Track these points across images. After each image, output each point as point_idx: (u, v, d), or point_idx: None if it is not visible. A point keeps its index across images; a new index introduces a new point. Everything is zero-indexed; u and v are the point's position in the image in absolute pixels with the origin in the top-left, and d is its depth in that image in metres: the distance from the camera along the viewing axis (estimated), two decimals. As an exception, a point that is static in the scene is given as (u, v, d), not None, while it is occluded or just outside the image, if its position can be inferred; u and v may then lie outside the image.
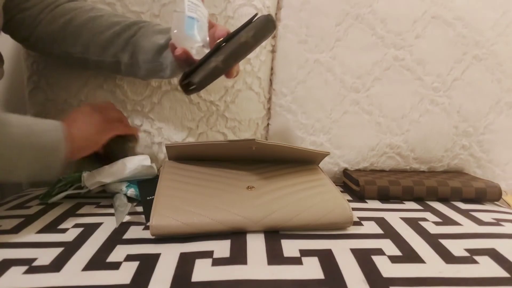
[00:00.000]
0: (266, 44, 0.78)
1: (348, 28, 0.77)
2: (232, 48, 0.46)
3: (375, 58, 0.77)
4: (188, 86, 0.47)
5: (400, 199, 0.67)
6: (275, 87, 0.80)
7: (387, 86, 0.78)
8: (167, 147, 0.60)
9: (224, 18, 0.74)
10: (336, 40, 0.77)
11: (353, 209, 0.53)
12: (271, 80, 0.82)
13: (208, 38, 0.53)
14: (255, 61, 0.77)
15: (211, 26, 0.55)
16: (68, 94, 0.71)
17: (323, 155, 0.63)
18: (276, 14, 0.80)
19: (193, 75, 0.46)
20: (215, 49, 0.47)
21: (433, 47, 0.77)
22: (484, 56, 0.77)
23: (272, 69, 0.81)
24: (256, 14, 0.49)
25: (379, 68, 0.77)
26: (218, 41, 0.48)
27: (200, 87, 0.46)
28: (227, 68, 0.47)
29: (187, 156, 0.62)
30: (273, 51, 0.81)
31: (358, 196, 0.68)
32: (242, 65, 0.76)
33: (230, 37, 0.48)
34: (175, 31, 0.51)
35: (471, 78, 0.78)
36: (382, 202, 0.65)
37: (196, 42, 0.50)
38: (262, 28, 0.46)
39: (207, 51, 0.50)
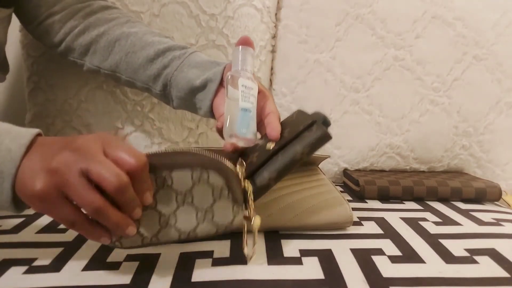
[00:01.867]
0: (266, 44, 0.78)
1: (348, 28, 0.77)
2: (285, 163, 0.41)
3: (375, 58, 0.77)
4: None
5: (400, 199, 0.67)
6: (275, 87, 0.80)
7: (387, 86, 0.78)
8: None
9: (224, 18, 0.74)
10: (336, 40, 0.77)
11: (353, 209, 0.53)
12: (271, 80, 0.82)
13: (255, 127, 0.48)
14: (255, 61, 0.77)
15: (261, 98, 0.50)
16: (68, 94, 0.71)
17: (323, 158, 0.63)
18: (276, 14, 0.80)
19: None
20: (268, 156, 0.43)
21: (433, 47, 0.77)
22: (484, 56, 0.77)
23: (272, 69, 0.81)
24: (313, 122, 0.43)
25: (379, 68, 0.77)
26: (271, 148, 0.43)
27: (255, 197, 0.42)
28: (277, 182, 0.43)
29: None
30: (273, 51, 0.81)
31: (358, 196, 0.68)
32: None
33: (283, 144, 0.43)
34: (227, 124, 0.46)
35: (471, 78, 0.78)
36: (382, 202, 0.65)
37: (246, 140, 0.46)
38: (318, 145, 0.42)
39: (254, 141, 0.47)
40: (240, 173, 0.41)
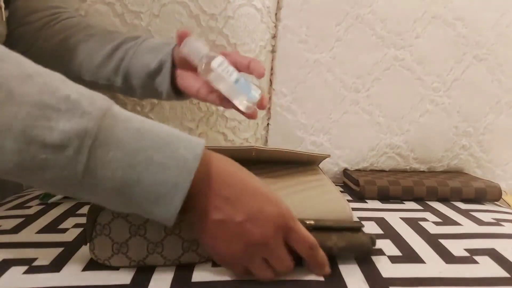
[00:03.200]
0: (266, 44, 0.78)
1: (348, 28, 0.77)
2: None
3: (375, 58, 0.77)
4: None
5: (400, 199, 0.67)
6: (275, 87, 0.80)
7: (387, 86, 0.78)
8: None
9: (224, 18, 0.74)
10: (336, 40, 0.77)
11: (353, 209, 0.53)
12: (271, 80, 0.82)
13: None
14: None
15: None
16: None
17: (323, 157, 0.63)
18: (276, 14, 0.80)
19: None
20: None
21: (433, 47, 0.77)
22: (484, 56, 0.77)
23: (272, 69, 0.81)
24: (360, 228, 0.43)
25: (379, 68, 0.77)
26: (309, 224, 0.41)
27: None
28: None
29: None
30: (273, 51, 0.81)
31: (358, 196, 0.68)
32: (242, 65, 0.76)
33: (321, 226, 0.42)
34: (237, 102, 0.51)
35: (471, 78, 0.78)
36: (382, 202, 0.65)
37: (259, 97, 0.51)
38: (355, 247, 0.41)
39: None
40: None
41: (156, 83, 0.58)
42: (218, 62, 0.50)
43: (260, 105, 0.52)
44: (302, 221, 0.42)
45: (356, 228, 0.43)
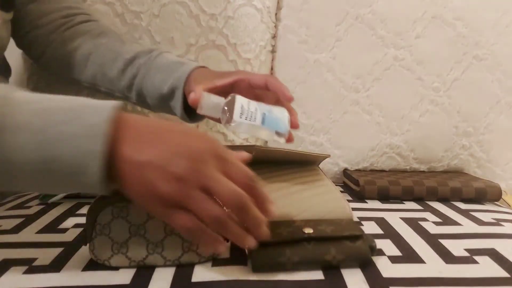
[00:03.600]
0: (266, 44, 0.78)
1: (348, 28, 0.77)
2: (312, 256, 0.40)
3: (375, 58, 0.77)
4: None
5: (400, 199, 0.67)
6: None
7: (387, 86, 0.78)
8: None
9: (224, 18, 0.74)
10: (336, 40, 0.77)
11: (353, 209, 0.53)
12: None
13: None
14: (255, 61, 0.77)
15: (242, 80, 0.52)
16: (68, 95, 0.71)
17: (323, 157, 0.63)
18: (276, 14, 0.80)
19: (260, 254, 0.40)
20: (300, 239, 0.41)
21: (433, 47, 0.77)
22: (484, 56, 0.77)
23: (272, 69, 0.81)
24: (360, 236, 0.42)
25: (379, 68, 0.77)
26: (307, 232, 0.41)
27: (258, 266, 0.40)
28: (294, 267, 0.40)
29: None
30: (273, 51, 0.81)
31: (358, 196, 0.68)
32: (241, 65, 0.76)
33: (320, 236, 0.41)
34: (273, 139, 0.50)
35: (471, 78, 0.78)
36: (382, 202, 0.65)
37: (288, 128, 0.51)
38: (355, 259, 0.40)
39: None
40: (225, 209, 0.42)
41: (171, 105, 0.57)
42: (239, 111, 0.47)
43: (293, 124, 0.51)
44: (301, 230, 0.42)
45: (356, 237, 0.42)
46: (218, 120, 0.51)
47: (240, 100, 0.48)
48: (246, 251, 0.42)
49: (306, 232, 0.41)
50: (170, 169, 0.32)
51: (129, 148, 0.32)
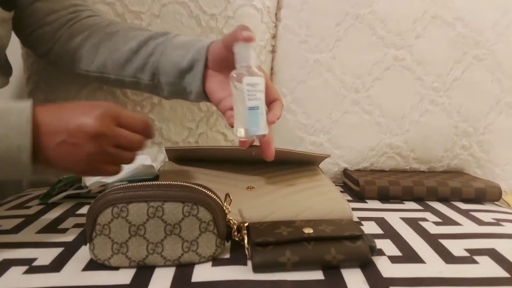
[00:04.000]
0: (266, 44, 0.78)
1: (348, 28, 0.77)
2: (312, 256, 0.40)
3: (375, 58, 0.77)
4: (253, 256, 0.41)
5: (400, 199, 0.67)
6: (275, 87, 0.80)
7: (387, 86, 0.78)
8: (167, 150, 0.60)
9: (224, 18, 0.74)
10: (336, 40, 0.77)
11: (353, 209, 0.53)
12: (271, 80, 0.82)
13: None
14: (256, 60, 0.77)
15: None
16: (68, 94, 0.71)
17: (323, 157, 0.63)
18: (276, 14, 0.80)
19: (261, 254, 0.40)
20: (300, 239, 0.41)
21: (433, 47, 0.77)
22: (484, 56, 0.77)
23: (272, 69, 0.81)
24: (360, 236, 0.42)
25: (379, 68, 0.77)
26: (307, 232, 0.42)
27: (259, 266, 0.40)
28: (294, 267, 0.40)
29: (186, 157, 0.62)
30: (273, 51, 0.81)
31: (358, 196, 0.68)
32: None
33: (320, 236, 0.41)
34: (237, 124, 0.47)
35: (471, 78, 0.78)
36: (382, 202, 0.65)
37: (257, 137, 0.47)
38: (355, 259, 0.40)
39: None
40: (226, 209, 0.43)
41: (186, 82, 0.55)
42: (252, 81, 0.46)
43: (265, 149, 0.49)
44: (301, 230, 0.42)
45: (356, 237, 0.42)
46: (227, 73, 0.49)
47: (258, 80, 0.47)
48: (246, 251, 0.42)
49: (306, 232, 0.41)
50: (84, 132, 0.41)
51: (48, 136, 0.41)
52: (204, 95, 0.55)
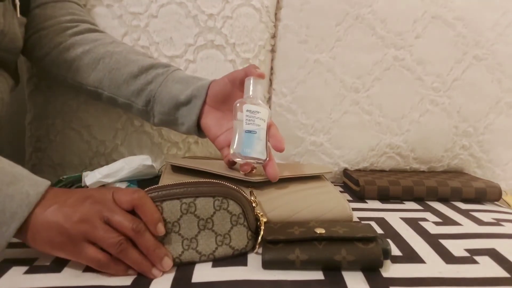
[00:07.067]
0: (265, 43, 0.78)
1: (348, 28, 0.77)
2: (322, 256, 0.39)
3: (375, 58, 0.77)
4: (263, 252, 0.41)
5: (400, 199, 0.67)
6: (275, 87, 0.80)
7: (387, 86, 0.78)
8: (167, 164, 0.61)
9: (222, 18, 0.74)
10: (336, 40, 0.77)
11: (353, 209, 0.53)
12: (271, 80, 0.82)
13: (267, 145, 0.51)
14: (254, 61, 0.77)
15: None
16: (68, 95, 0.71)
17: (326, 172, 0.63)
18: (276, 14, 0.80)
19: (271, 251, 0.40)
20: (311, 238, 0.41)
21: (433, 47, 0.77)
22: (484, 56, 0.77)
23: (272, 69, 0.81)
24: (374, 239, 0.41)
25: (379, 68, 0.77)
26: (319, 232, 0.41)
27: (268, 263, 0.40)
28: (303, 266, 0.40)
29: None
30: (273, 51, 0.81)
31: (358, 196, 0.68)
32: (240, 65, 0.76)
33: (332, 237, 0.41)
34: (233, 145, 0.49)
35: (471, 78, 0.78)
36: (382, 202, 0.65)
37: (251, 159, 0.49)
38: (366, 262, 0.40)
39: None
40: (253, 202, 0.44)
41: (179, 114, 0.58)
42: (252, 108, 0.49)
43: (266, 169, 0.50)
44: (313, 231, 0.42)
45: (369, 239, 0.41)
46: (224, 111, 0.56)
47: (262, 109, 0.50)
48: (257, 246, 0.42)
49: (318, 232, 0.41)
50: (74, 216, 0.37)
51: (42, 208, 0.38)
52: (196, 130, 0.58)
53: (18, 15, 0.54)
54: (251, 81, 0.51)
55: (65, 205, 0.38)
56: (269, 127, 0.51)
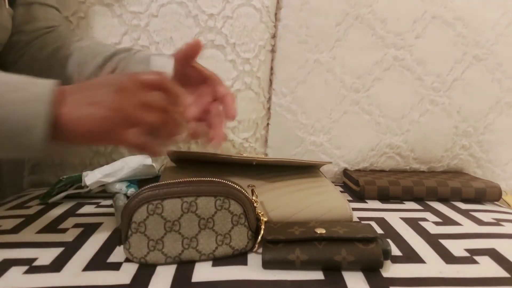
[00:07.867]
0: (265, 43, 0.78)
1: (348, 28, 0.77)
2: (322, 256, 0.40)
3: (375, 58, 0.77)
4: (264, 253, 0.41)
5: (400, 199, 0.67)
6: (275, 87, 0.80)
7: (387, 86, 0.78)
8: (168, 153, 0.60)
9: (223, 18, 0.74)
10: (336, 40, 0.77)
11: (353, 209, 0.53)
12: (271, 80, 0.82)
13: None
14: (255, 60, 0.77)
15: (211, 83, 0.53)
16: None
17: (324, 163, 0.63)
18: (276, 14, 0.80)
19: (271, 251, 0.40)
20: (311, 238, 0.41)
21: (433, 47, 0.77)
22: (484, 56, 0.77)
23: (272, 69, 0.81)
24: (375, 239, 0.41)
25: (379, 68, 0.77)
26: (319, 232, 0.41)
27: (268, 263, 0.40)
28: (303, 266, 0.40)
29: (188, 159, 0.62)
30: (272, 51, 0.81)
31: (358, 196, 0.68)
32: (240, 65, 0.76)
33: (332, 237, 0.41)
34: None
35: (471, 78, 0.78)
36: (382, 202, 0.65)
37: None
38: (366, 263, 0.40)
39: None
40: (254, 202, 0.44)
41: None
42: None
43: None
44: (313, 231, 0.42)
45: (370, 240, 0.41)
46: (190, 86, 0.54)
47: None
48: (257, 245, 0.43)
49: (318, 232, 0.41)
50: (106, 88, 0.38)
51: (68, 106, 0.37)
52: None
53: (7, 6, 0.54)
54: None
55: (91, 95, 0.38)
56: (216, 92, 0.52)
